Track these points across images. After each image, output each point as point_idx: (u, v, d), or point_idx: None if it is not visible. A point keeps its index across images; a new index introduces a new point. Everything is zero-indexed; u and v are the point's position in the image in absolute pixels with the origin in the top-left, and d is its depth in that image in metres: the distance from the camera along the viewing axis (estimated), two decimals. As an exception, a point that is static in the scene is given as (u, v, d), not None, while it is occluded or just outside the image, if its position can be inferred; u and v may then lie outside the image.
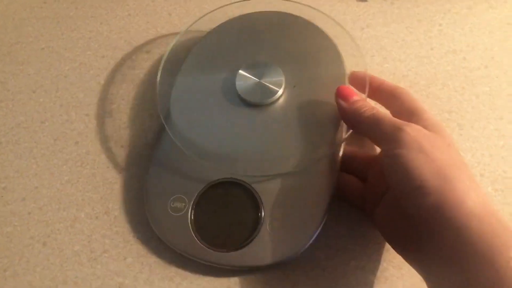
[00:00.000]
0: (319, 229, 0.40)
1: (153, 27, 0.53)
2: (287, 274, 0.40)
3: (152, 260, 0.41)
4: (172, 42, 0.45)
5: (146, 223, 0.41)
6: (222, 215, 0.40)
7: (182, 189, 0.41)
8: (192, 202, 0.40)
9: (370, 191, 0.40)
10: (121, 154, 0.46)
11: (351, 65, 0.45)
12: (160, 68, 0.44)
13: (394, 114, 0.40)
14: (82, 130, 0.47)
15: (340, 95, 0.40)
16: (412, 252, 0.35)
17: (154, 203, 0.41)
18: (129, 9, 0.55)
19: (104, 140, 0.46)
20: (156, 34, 0.53)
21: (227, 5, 0.48)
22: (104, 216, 0.43)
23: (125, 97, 0.49)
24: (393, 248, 0.38)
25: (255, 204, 0.40)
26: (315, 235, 0.39)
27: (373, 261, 0.41)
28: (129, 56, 0.51)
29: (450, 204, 0.30)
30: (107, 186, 0.44)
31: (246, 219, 0.40)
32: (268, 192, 0.40)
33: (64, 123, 0.47)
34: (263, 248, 0.39)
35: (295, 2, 0.49)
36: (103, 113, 0.48)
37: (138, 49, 0.52)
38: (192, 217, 0.40)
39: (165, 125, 0.42)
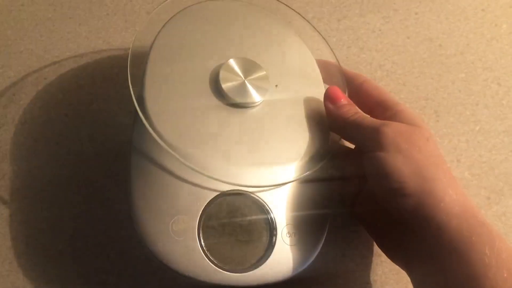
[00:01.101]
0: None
1: (131, 26, 0.54)
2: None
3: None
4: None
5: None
6: (232, 231, 0.36)
7: (182, 208, 0.36)
8: (197, 222, 0.36)
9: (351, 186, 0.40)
10: (102, 155, 0.46)
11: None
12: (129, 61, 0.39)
13: (364, 108, 0.40)
14: (63, 131, 0.47)
15: (328, 97, 0.39)
16: (395, 249, 0.36)
17: (151, 227, 0.36)
18: (107, 9, 0.55)
19: (86, 139, 0.47)
20: (135, 33, 0.53)
21: None
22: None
23: (105, 96, 0.49)
24: (377, 245, 0.38)
25: (265, 215, 0.37)
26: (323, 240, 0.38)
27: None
28: (108, 56, 0.52)
29: (430, 204, 0.31)
30: None
31: (258, 232, 0.37)
32: (276, 201, 0.38)
33: (44, 124, 0.48)
34: (280, 262, 0.36)
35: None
36: (83, 113, 0.48)
37: (116, 49, 0.52)
38: (200, 239, 0.36)
39: (152, 133, 0.36)
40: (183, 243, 0.35)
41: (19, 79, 0.50)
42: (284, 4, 0.48)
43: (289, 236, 0.37)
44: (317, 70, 0.44)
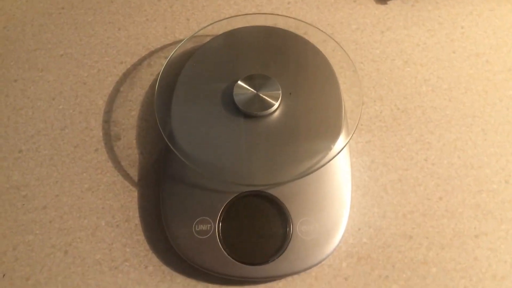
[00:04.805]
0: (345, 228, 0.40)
1: (171, 33, 0.53)
2: (309, 283, 0.40)
3: (173, 269, 0.41)
4: (168, 58, 0.47)
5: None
6: (251, 229, 0.40)
7: (203, 209, 0.40)
8: (217, 222, 0.40)
9: None
10: (140, 161, 0.45)
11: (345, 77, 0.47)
12: (157, 86, 0.45)
13: None
14: (102, 137, 0.47)
15: None
16: None
17: (177, 227, 0.40)
18: (146, 15, 0.54)
19: (124, 147, 0.46)
20: (174, 39, 0.53)
21: (229, 18, 0.50)
22: (125, 224, 0.43)
23: (144, 103, 0.49)
24: None
25: (281, 212, 0.40)
26: (341, 234, 0.40)
27: (397, 270, 0.40)
28: (148, 62, 0.51)
29: None
30: (127, 193, 0.44)
31: (275, 228, 0.40)
32: (291, 198, 0.41)
33: (83, 130, 0.47)
34: (297, 255, 0.39)
35: (293, 18, 0.50)
36: (122, 120, 0.47)
37: (156, 55, 0.52)
38: (221, 237, 0.39)
39: (170, 145, 0.41)
40: (205, 241, 0.39)
41: (58, 83, 0.50)
42: (306, 22, 0.49)
43: (305, 229, 0.40)
44: (335, 76, 0.45)
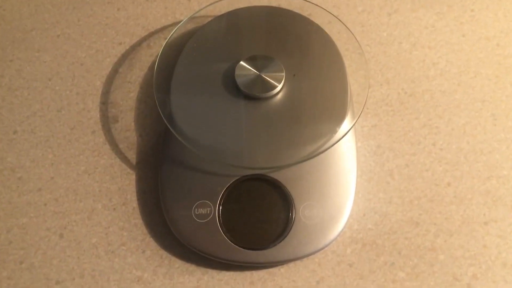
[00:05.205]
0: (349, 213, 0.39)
1: (171, 13, 0.51)
2: (312, 269, 0.38)
3: (172, 253, 0.39)
4: (168, 37, 0.45)
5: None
6: (252, 213, 0.39)
7: (203, 192, 0.39)
8: (217, 206, 0.38)
9: None
10: (139, 143, 0.44)
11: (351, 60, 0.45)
12: (155, 67, 0.43)
13: None
14: (99, 119, 0.45)
15: None
16: None
17: (176, 211, 0.39)
18: (146, -5, 0.53)
19: (122, 129, 0.45)
20: (174, 20, 0.51)
21: None
22: (122, 207, 0.41)
23: (143, 85, 0.47)
24: None
25: (284, 196, 0.39)
26: (346, 219, 0.39)
27: (403, 257, 0.39)
28: (147, 43, 0.50)
29: None
30: (125, 176, 0.43)
31: (277, 212, 0.38)
32: (294, 182, 0.39)
33: (80, 112, 0.46)
34: (300, 240, 0.38)
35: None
36: (120, 102, 0.46)
37: (155, 36, 0.50)
38: (221, 221, 0.38)
39: (170, 127, 0.40)
40: (205, 225, 0.38)
41: (55, 64, 0.49)
42: (311, 2, 0.48)
43: (308, 214, 0.38)
44: (340, 58, 0.44)
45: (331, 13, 0.47)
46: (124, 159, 0.43)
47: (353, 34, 0.45)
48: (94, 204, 0.41)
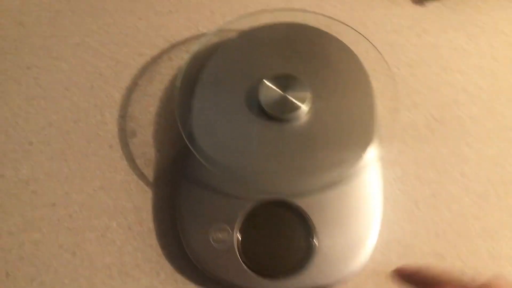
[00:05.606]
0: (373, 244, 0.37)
1: (193, 25, 0.50)
2: (333, 303, 0.37)
3: (187, 277, 0.38)
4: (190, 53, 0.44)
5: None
6: (271, 240, 0.37)
7: (221, 215, 0.38)
8: (236, 231, 0.37)
9: None
10: (157, 160, 0.43)
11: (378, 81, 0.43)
12: (179, 83, 0.42)
13: None
14: (117, 133, 0.44)
15: None
16: None
17: (193, 234, 0.38)
18: (169, 5, 0.52)
19: (140, 144, 0.44)
20: (197, 32, 0.50)
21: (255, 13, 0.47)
22: (137, 226, 0.40)
23: (163, 99, 0.46)
24: None
25: (305, 223, 0.37)
26: (370, 250, 0.37)
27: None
28: (168, 55, 0.48)
29: None
30: (141, 194, 0.41)
31: (297, 240, 0.37)
32: (316, 209, 0.38)
33: (98, 124, 0.45)
34: (320, 270, 0.36)
35: (324, 15, 0.46)
36: (139, 115, 0.45)
37: (177, 48, 0.49)
38: (239, 247, 0.37)
39: (190, 146, 0.38)
40: (222, 251, 0.36)
41: (73, 73, 0.48)
42: (338, 20, 0.45)
43: (330, 243, 0.37)
44: (368, 79, 0.42)
45: (358, 32, 0.45)
46: (141, 175, 0.42)
47: (381, 54, 0.43)
48: (109, 222, 0.40)
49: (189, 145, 0.39)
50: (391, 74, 0.44)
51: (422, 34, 0.49)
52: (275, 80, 0.41)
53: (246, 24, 0.46)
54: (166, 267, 0.39)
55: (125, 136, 0.44)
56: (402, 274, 0.33)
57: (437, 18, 0.50)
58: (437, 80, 0.46)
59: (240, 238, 0.37)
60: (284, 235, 0.38)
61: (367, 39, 0.44)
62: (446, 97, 0.45)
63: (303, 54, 0.44)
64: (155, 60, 0.48)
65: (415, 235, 0.39)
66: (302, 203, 0.38)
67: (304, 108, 0.39)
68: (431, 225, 0.40)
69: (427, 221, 0.40)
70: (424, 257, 0.38)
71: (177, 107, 0.41)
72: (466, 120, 0.44)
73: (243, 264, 0.36)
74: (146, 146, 0.44)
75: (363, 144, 0.39)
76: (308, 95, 0.40)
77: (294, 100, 0.40)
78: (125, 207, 0.41)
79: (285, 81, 0.41)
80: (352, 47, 0.44)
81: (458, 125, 0.44)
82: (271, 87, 0.40)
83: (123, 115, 0.45)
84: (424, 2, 0.51)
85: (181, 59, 0.48)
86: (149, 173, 0.42)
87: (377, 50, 0.44)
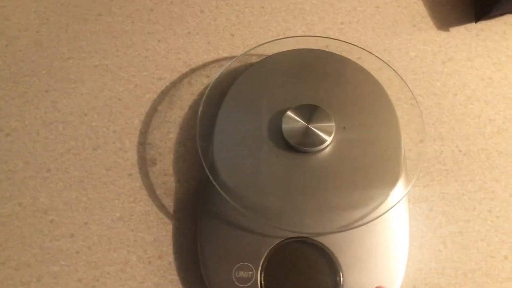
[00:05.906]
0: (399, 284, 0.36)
1: (214, 49, 0.49)
2: None
3: (208, 314, 0.37)
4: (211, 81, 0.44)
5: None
6: (296, 280, 0.36)
7: (245, 254, 0.37)
8: (259, 270, 0.36)
9: None
10: (177, 190, 0.42)
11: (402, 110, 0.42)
12: (199, 112, 0.41)
13: None
14: (136, 161, 0.43)
15: None
16: None
17: (215, 272, 0.37)
18: (188, 27, 0.51)
19: (160, 173, 0.43)
20: (217, 57, 0.49)
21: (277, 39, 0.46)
22: (158, 261, 0.39)
23: (183, 125, 0.45)
24: None
25: (330, 262, 0.36)
26: None
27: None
28: (188, 80, 0.47)
29: None
30: (162, 226, 0.41)
31: (322, 280, 0.36)
32: (341, 248, 0.37)
33: (117, 152, 0.44)
34: None
35: (347, 42, 0.46)
36: (159, 143, 0.44)
37: (197, 72, 0.48)
38: (263, 287, 0.36)
39: (212, 179, 0.37)
40: None
41: (92, 97, 0.47)
42: (359, 47, 0.45)
43: (356, 284, 0.36)
44: (393, 109, 0.41)
45: (381, 59, 0.44)
46: (161, 206, 0.41)
47: (405, 82, 0.43)
48: (129, 256, 0.39)
49: (211, 179, 0.38)
50: (416, 103, 0.43)
51: (447, 62, 0.48)
52: (299, 110, 0.40)
53: (267, 49, 0.45)
54: (187, 303, 0.38)
55: (145, 164, 0.43)
56: None
57: (462, 44, 0.49)
58: (463, 110, 0.45)
59: (264, 277, 0.36)
60: (309, 274, 0.37)
61: (391, 67, 0.43)
62: (472, 129, 0.44)
63: (326, 81, 0.44)
64: (174, 85, 0.47)
65: (441, 274, 0.38)
66: (327, 241, 0.37)
67: (328, 140, 0.38)
68: (459, 265, 0.39)
69: (454, 260, 0.39)
70: (451, 299, 0.37)
71: (198, 138, 0.40)
72: (493, 153, 0.43)
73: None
74: (166, 175, 0.43)
75: (391, 182, 0.38)
76: (332, 127, 0.39)
77: (318, 131, 0.39)
78: (145, 239, 0.40)
79: (309, 112, 0.40)
80: (375, 74, 0.43)
81: (485, 159, 0.43)
82: (295, 118, 0.39)
83: (143, 142, 0.44)
84: (449, 28, 0.50)
85: (201, 84, 0.47)
86: (169, 204, 0.41)
87: (401, 78, 0.43)
